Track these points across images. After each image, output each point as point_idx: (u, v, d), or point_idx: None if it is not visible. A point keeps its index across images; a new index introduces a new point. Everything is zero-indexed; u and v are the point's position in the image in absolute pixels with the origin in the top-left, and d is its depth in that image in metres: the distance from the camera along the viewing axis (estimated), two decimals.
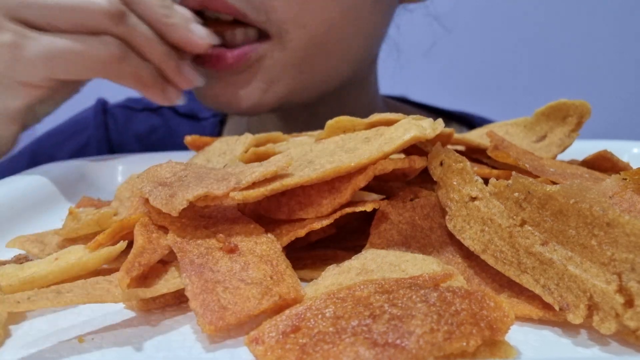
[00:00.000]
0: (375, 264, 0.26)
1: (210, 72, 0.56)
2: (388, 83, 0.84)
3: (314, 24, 0.55)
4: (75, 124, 0.86)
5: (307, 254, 0.31)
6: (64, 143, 0.83)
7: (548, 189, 0.25)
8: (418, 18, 0.73)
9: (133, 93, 0.55)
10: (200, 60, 0.55)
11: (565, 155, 0.42)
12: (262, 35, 0.55)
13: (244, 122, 0.78)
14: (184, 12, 0.50)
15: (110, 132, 0.83)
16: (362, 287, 0.23)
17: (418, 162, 0.30)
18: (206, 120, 0.82)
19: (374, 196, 0.35)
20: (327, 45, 0.57)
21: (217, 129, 0.81)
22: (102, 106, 0.85)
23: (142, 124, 0.83)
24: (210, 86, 0.57)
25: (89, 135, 0.83)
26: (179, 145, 0.66)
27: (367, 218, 0.31)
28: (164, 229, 0.28)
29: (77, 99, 0.57)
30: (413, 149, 0.33)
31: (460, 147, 0.40)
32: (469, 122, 0.80)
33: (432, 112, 0.83)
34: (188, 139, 0.43)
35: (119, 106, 0.86)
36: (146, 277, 0.26)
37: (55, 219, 0.42)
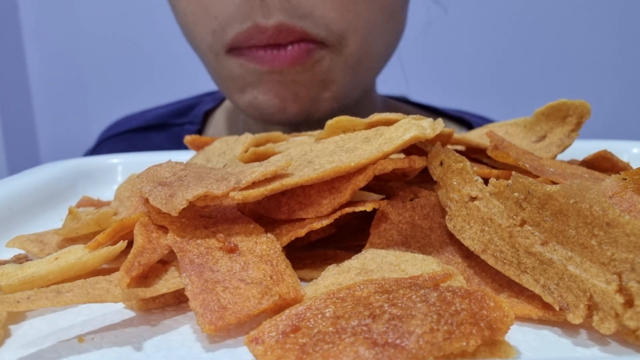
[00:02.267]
0: (375, 264, 0.26)
1: (268, 76, 0.56)
2: (388, 83, 0.84)
3: (364, 26, 0.57)
4: None
5: (307, 254, 0.31)
6: None
7: (548, 189, 0.25)
8: (418, 18, 0.73)
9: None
10: (258, 59, 0.55)
11: (565, 155, 0.42)
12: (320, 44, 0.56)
13: (240, 121, 0.78)
14: None
15: None
16: (362, 287, 0.23)
17: (418, 162, 0.30)
18: (181, 127, 0.82)
19: (374, 196, 0.35)
20: (373, 45, 0.59)
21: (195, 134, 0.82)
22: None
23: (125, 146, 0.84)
24: (268, 87, 0.58)
25: None
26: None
27: (367, 218, 0.31)
28: (164, 229, 0.28)
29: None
30: (413, 148, 0.33)
31: (460, 147, 0.40)
32: (468, 122, 0.80)
33: (432, 112, 0.83)
34: (188, 138, 0.43)
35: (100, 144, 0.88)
36: (146, 277, 0.26)
37: (55, 219, 0.42)
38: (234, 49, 0.57)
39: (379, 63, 0.65)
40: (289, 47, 0.55)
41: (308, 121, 0.60)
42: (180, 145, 0.70)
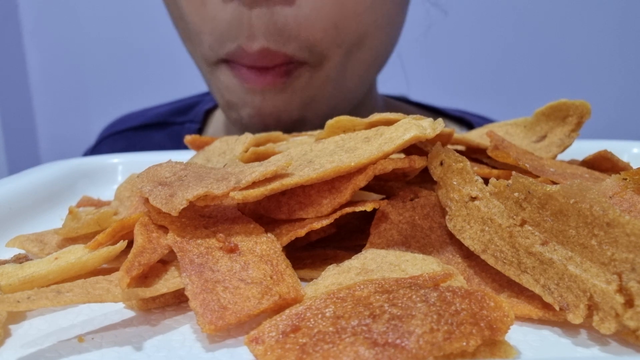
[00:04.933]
0: (375, 264, 0.26)
1: (250, 96, 0.57)
2: (389, 83, 0.84)
3: (349, 39, 0.56)
4: None
5: (307, 254, 0.31)
6: None
7: (548, 189, 0.25)
8: (419, 18, 0.73)
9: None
10: (242, 76, 0.56)
11: (565, 155, 0.42)
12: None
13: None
14: None
15: None
16: (362, 286, 0.23)
17: (418, 162, 0.30)
18: (181, 125, 0.83)
19: (374, 196, 0.35)
20: (360, 55, 0.59)
21: (196, 132, 0.82)
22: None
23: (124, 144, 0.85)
24: (252, 112, 0.58)
25: None
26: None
27: (367, 218, 0.31)
28: (164, 229, 0.28)
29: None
30: (413, 148, 0.33)
31: (460, 147, 0.40)
32: (469, 122, 0.80)
33: (432, 111, 0.83)
34: (188, 138, 0.43)
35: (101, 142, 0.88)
36: (146, 277, 0.26)
37: (55, 219, 0.42)
38: (226, 60, 0.58)
39: (373, 71, 0.64)
40: (271, 71, 0.55)
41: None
42: (180, 144, 0.70)
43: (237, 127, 0.63)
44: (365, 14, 0.55)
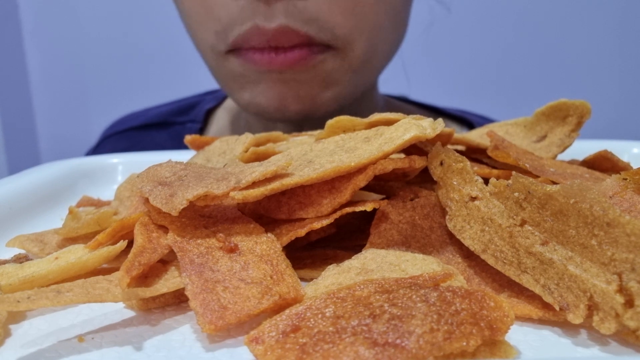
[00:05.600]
0: (375, 264, 0.26)
1: (269, 75, 0.57)
2: (389, 82, 0.84)
3: (369, 29, 0.57)
4: None
5: (307, 254, 0.31)
6: None
7: (548, 189, 0.25)
8: (419, 17, 0.73)
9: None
10: (255, 61, 0.55)
11: (565, 155, 0.42)
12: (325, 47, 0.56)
13: (242, 119, 0.78)
14: None
15: None
16: (362, 286, 0.23)
17: (418, 162, 0.30)
18: (182, 125, 0.82)
19: (374, 196, 0.35)
20: (377, 47, 0.60)
21: (197, 133, 0.82)
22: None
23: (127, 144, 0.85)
24: (268, 86, 0.57)
25: None
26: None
27: (367, 218, 0.31)
28: (164, 229, 0.28)
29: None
30: (413, 148, 0.33)
31: (461, 147, 0.40)
32: (470, 122, 0.80)
33: (433, 111, 0.83)
34: (188, 138, 0.43)
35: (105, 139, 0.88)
36: (146, 277, 0.26)
37: (55, 218, 0.42)
38: (234, 50, 0.57)
39: (382, 64, 0.65)
40: (289, 53, 0.54)
41: (308, 120, 0.60)
42: (181, 144, 0.70)
43: (251, 111, 0.62)
44: (378, 4, 0.56)
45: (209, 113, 0.84)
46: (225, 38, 0.56)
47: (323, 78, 0.58)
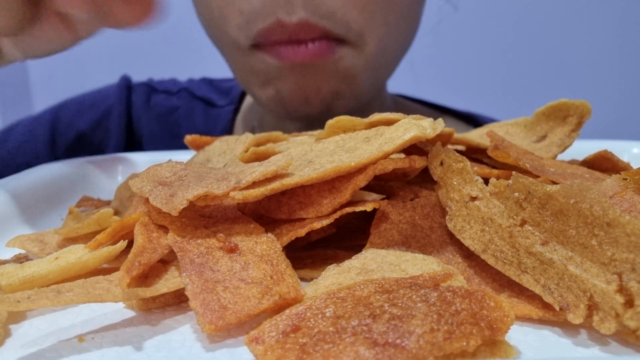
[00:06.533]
0: (375, 264, 0.26)
1: (291, 70, 0.57)
2: (397, 81, 0.84)
3: (381, 26, 0.58)
4: (97, 95, 0.88)
5: (307, 254, 0.31)
6: (85, 112, 0.85)
7: (548, 189, 0.25)
8: (424, 17, 0.73)
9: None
10: (279, 55, 0.56)
11: (565, 155, 0.42)
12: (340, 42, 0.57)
13: (255, 114, 0.79)
14: None
15: (132, 108, 0.84)
16: (362, 286, 0.23)
17: (418, 162, 0.30)
18: (221, 108, 0.83)
19: (374, 196, 0.35)
20: (390, 45, 0.60)
21: (231, 116, 0.82)
22: (127, 82, 0.88)
23: (161, 105, 0.85)
24: (292, 81, 0.58)
25: (111, 105, 0.84)
26: (193, 128, 0.66)
27: (367, 218, 0.31)
28: (164, 229, 0.28)
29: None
30: (413, 148, 0.33)
31: (461, 147, 0.40)
32: (476, 121, 0.80)
33: (440, 110, 0.83)
34: (188, 138, 0.43)
35: (142, 84, 0.88)
36: (146, 277, 0.26)
37: (55, 218, 0.42)
38: (257, 45, 0.57)
39: (394, 62, 0.66)
40: (310, 44, 0.55)
41: (328, 117, 0.61)
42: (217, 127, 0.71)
43: (274, 107, 0.62)
44: (390, 3, 0.57)
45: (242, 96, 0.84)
46: (248, 32, 0.56)
47: (343, 74, 0.59)
